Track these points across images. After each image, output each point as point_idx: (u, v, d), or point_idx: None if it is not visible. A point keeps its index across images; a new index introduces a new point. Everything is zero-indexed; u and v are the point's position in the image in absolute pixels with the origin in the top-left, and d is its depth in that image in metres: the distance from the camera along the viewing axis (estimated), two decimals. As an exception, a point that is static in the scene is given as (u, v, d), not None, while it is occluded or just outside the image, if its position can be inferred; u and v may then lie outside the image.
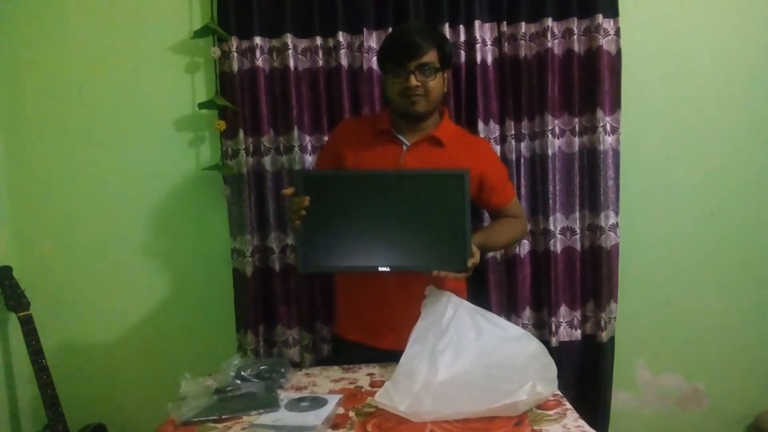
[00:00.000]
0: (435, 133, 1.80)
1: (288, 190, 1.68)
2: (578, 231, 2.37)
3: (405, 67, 1.69)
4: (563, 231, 2.37)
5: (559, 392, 1.50)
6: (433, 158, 1.78)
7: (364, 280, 1.80)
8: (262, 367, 1.66)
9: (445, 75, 1.79)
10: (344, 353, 1.90)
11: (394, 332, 1.68)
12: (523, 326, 2.37)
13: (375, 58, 2.25)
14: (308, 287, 2.34)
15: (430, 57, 1.70)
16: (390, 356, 1.67)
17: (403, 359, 1.53)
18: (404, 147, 1.78)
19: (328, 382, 1.66)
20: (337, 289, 2.00)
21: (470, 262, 1.63)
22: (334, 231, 1.65)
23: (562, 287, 2.39)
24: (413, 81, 1.69)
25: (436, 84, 1.74)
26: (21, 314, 2.15)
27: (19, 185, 2.38)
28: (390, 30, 2.23)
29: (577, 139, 2.34)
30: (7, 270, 2.19)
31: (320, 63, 2.27)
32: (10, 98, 2.35)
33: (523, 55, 2.29)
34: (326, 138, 2.28)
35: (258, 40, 2.25)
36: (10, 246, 2.36)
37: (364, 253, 1.65)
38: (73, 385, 2.38)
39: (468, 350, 1.54)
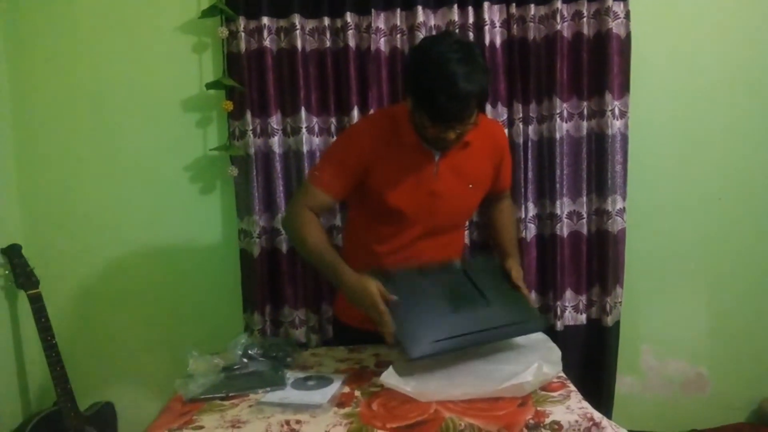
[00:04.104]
0: (466, 137, 1.65)
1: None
2: (585, 215, 2.37)
3: (447, 124, 1.54)
4: (570, 215, 2.37)
5: (563, 374, 1.51)
6: (463, 162, 1.70)
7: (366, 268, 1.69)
8: (268, 346, 1.68)
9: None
10: (345, 338, 1.87)
11: None
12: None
13: (383, 39, 2.24)
14: (315, 269, 2.34)
15: (473, 116, 1.54)
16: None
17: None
18: (436, 157, 1.67)
19: (334, 362, 1.67)
20: None
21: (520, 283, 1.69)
22: (422, 316, 1.51)
23: (568, 271, 2.39)
24: (451, 135, 1.55)
25: (471, 125, 1.58)
26: (30, 292, 2.17)
27: (28, 164, 2.38)
28: (398, 11, 2.24)
29: (585, 123, 2.33)
30: (16, 248, 2.20)
31: (328, 44, 2.26)
32: (18, 79, 2.34)
33: (531, 37, 2.28)
34: (333, 120, 2.29)
35: (265, 20, 2.24)
36: (19, 224, 2.37)
37: (453, 325, 1.50)
38: (82, 363, 2.40)
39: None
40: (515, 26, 2.27)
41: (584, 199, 2.36)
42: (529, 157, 2.34)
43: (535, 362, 1.40)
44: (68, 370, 2.20)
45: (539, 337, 1.61)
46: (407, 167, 1.67)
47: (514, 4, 2.26)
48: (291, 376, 1.55)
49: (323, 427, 1.29)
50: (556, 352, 1.51)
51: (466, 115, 1.51)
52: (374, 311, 1.46)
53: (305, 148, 2.28)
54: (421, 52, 1.56)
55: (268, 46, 2.26)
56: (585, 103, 2.32)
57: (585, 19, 2.27)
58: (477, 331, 1.49)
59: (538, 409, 1.33)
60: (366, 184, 1.68)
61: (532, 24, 2.27)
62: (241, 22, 2.24)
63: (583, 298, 2.42)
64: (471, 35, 2.25)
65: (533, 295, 2.40)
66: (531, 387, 1.38)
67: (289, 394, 1.44)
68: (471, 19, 2.25)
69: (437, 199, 1.69)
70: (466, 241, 2.31)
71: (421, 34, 2.21)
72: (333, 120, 2.29)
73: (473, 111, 1.51)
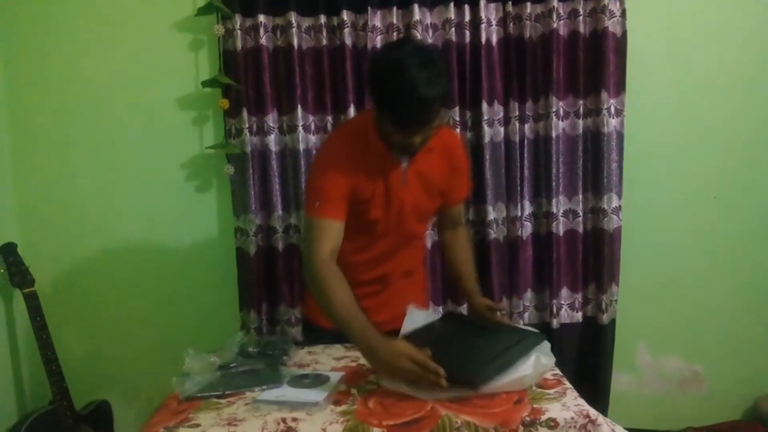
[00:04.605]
0: (430, 144, 1.63)
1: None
2: (581, 214, 2.37)
3: (411, 130, 1.52)
4: (566, 213, 2.38)
5: (559, 371, 1.51)
6: (427, 168, 1.70)
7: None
8: (265, 344, 1.67)
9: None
10: (318, 340, 1.82)
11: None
12: (524, 308, 2.39)
13: (379, 37, 2.24)
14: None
15: (436, 120, 1.53)
16: None
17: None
18: (403, 165, 1.66)
19: (330, 360, 1.66)
20: None
21: (499, 314, 1.67)
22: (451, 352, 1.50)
23: (564, 269, 2.40)
24: (417, 140, 1.54)
25: (435, 129, 1.58)
26: (26, 291, 2.16)
27: (24, 162, 2.38)
28: (394, 9, 2.24)
29: (581, 122, 2.34)
30: (11, 246, 2.20)
31: (324, 42, 2.26)
32: (13, 77, 2.34)
33: (528, 35, 2.28)
34: (329, 118, 2.30)
35: (262, 18, 2.24)
36: (14, 223, 2.37)
37: (483, 352, 1.49)
38: (78, 362, 2.40)
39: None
40: (511, 24, 2.28)
41: (580, 197, 2.37)
42: (525, 155, 2.34)
43: (532, 354, 1.41)
44: (64, 369, 2.19)
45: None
46: (378, 177, 1.66)
47: (510, 3, 2.27)
48: (287, 373, 1.55)
49: (319, 425, 1.29)
50: (547, 344, 1.52)
51: (429, 120, 1.50)
52: (415, 366, 1.37)
53: (301, 147, 2.28)
54: (380, 60, 1.54)
55: (265, 44, 2.25)
56: (581, 102, 2.32)
57: (581, 18, 2.28)
58: (504, 350, 1.45)
59: (534, 406, 1.33)
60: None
61: (528, 22, 2.27)
62: (237, 19, 2.23)
63: (579, 296, 2.43)
64: (467, 33, 2.25)
65: (529, 294, 2.41)
66: (531, 380, 1.38)
67: (285, 392, 1.44)
68: (467, 17, 2.26)
69: (406, 206, 1.69)
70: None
71: (417, 33, 2.22)
72: (329, 118, 2.30)
73: (436, 115, 1.51)
